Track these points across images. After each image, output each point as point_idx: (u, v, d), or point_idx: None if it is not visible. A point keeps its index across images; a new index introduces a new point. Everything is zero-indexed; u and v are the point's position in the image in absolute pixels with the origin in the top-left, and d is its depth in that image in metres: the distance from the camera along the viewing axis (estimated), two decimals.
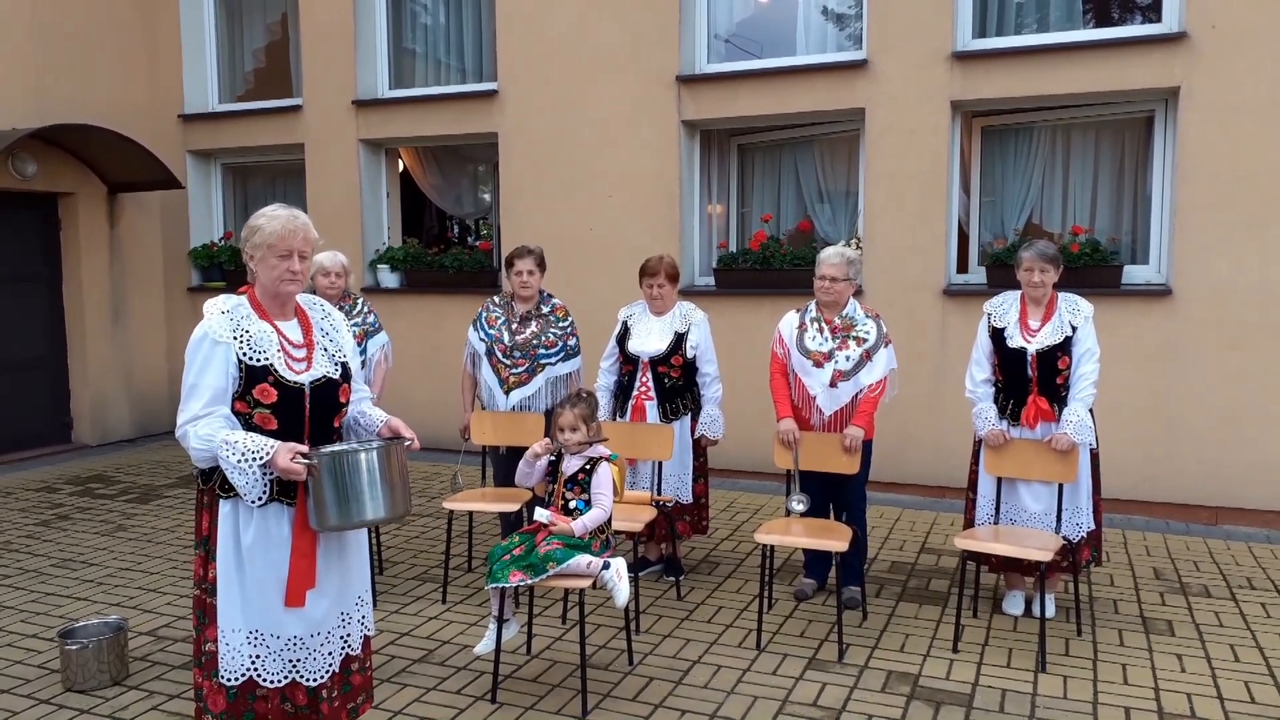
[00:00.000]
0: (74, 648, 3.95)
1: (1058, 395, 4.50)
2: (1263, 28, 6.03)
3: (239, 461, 2.69)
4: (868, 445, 4.73)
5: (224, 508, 2.82)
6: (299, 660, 2.88)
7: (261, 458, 2.70)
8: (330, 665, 2.94)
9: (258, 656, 2.84)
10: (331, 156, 8.73)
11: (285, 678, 2.87)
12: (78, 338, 8.81)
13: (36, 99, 8.26)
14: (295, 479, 2.73)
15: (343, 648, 2.99)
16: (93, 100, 8.66)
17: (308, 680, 2.90)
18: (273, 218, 2.85)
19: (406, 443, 2.94)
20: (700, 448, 5.24)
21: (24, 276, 8.48)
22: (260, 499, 2.77)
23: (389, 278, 8.70)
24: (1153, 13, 6.61)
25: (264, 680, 2.85)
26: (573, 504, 3.84)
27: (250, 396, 2.78)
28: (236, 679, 2.83)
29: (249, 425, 2.79)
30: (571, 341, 5.26)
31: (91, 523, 6.46)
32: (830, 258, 4.75)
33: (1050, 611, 4.63)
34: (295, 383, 2.83)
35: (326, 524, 2.77)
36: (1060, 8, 6.87)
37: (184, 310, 9.51)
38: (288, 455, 2.69)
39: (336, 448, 2.82)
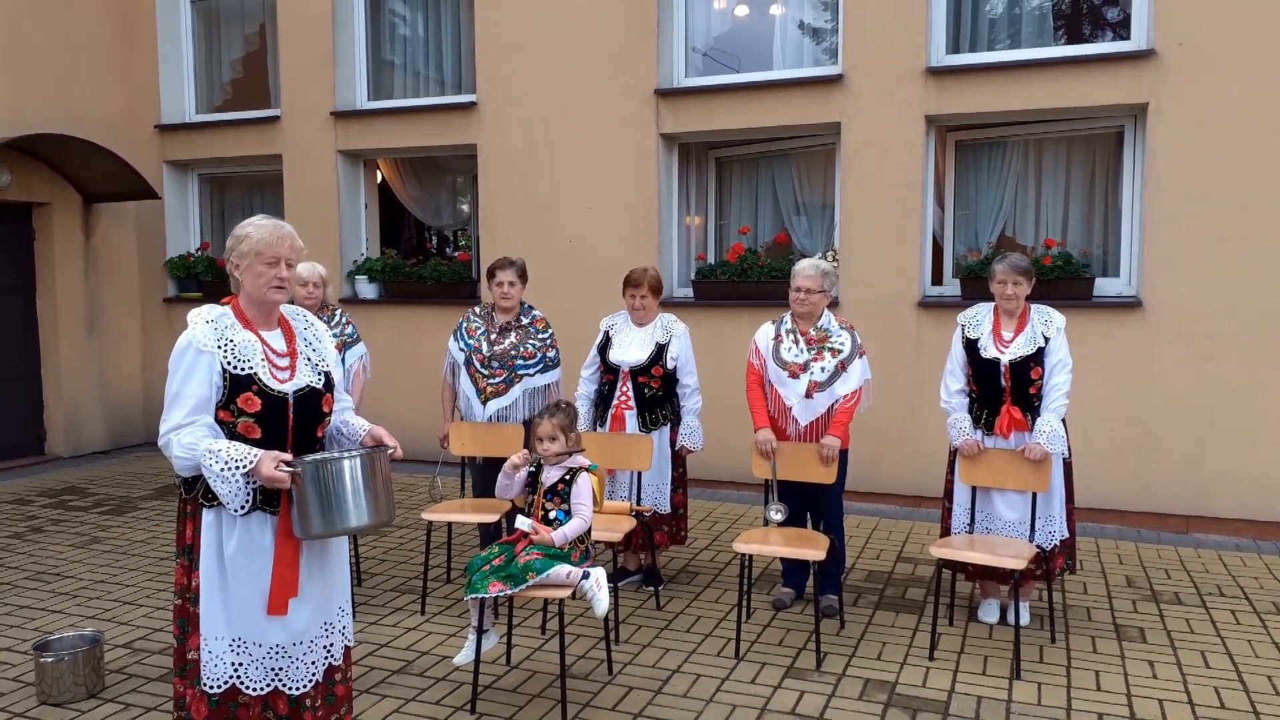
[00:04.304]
0: (49, 660, 3.92)
1: (1031, 405, 4.56)
2: (1229, 46, 6.15)
3: (222, 470, 2.70)
4: (844, 455, 4.78)
5: (207, 517, 2.82)
6: (281, 669, 2.89)
7: (244, 466, 2.71)
8: (314, 675, 2.95)
9: (240, 664, 2.84)
10: (310, 167, 8.71)
11: (268, 686, 2.88)
12: (52, 349, 8.72)
13: (11, 108, 8.20)
14: (279, 487, 2.74)
15: (326, 657, 2.99)
16: (68, 110, 8.61)
17: (290, 689, 2.90)
18: (259, 226, 2.90)
19: (389, 450, 2.96)
20: (680, 458, 5.27)
21: None
22: (243, 508, 2.77)
23: (367, 289, 8.69)
24: (1122, 30, 6.74)
25: (246, 688, 2.85)
26: (552, 514, 3.85)
27: (234, 405, 2.79)
28: (219, 687, 2.83)
29: (233, 434, 2.80)
30: (551, 353, 5.28)
31: (66, 535, 6.40)
32: (805, 270, 4.80)
33: (1025, 619, 4.69)
34: (279, 392, 2.85)
35: (311, 532, 2.78)
36: (1032, 24, 6.99)
37: (160, 321, 9.45)
38: (271, 463, 2.70)
39: (320, 456, 2.83)
